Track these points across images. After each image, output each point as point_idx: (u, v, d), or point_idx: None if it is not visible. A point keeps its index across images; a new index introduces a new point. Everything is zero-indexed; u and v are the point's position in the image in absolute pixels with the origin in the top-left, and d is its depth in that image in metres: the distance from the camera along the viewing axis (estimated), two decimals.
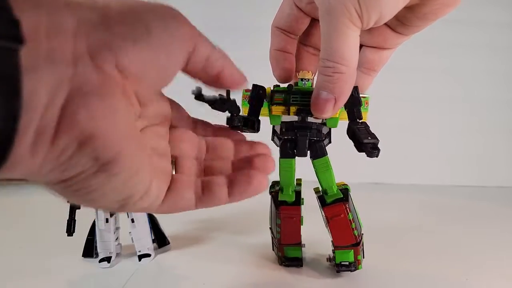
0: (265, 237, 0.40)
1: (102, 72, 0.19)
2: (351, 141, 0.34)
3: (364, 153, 0.33)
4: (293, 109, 0.35)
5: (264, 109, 0.36)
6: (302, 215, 0.39)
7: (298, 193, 0.39)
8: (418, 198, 0.80)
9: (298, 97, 0.34)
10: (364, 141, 0.32)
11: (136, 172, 0.21)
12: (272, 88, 0.36)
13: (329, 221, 0.38)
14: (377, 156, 0.32)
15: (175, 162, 0.26)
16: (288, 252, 0.42)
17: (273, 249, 0.44)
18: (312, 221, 0.41)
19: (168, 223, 0.51)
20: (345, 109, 0.35)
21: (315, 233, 0.42)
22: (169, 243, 0.49)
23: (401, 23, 0.31)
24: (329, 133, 0.38)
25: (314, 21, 0.34)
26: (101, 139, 0.19)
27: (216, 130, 0.29)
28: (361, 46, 0.35)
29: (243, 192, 0.25)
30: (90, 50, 0.19)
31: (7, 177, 0.18)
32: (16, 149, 0.17)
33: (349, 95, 0.30)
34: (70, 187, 0.20)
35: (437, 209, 0.72)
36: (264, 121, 0.36)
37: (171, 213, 0.25)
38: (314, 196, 0.39)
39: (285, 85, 0.36)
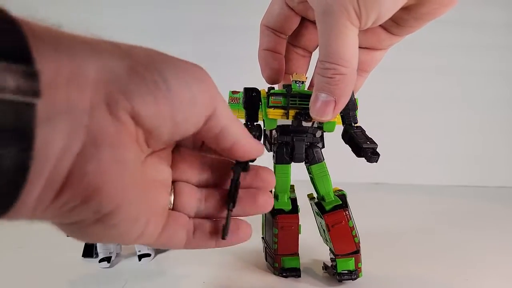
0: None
1: (118, 121, 0.19)
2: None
3: (363, 158, 0.33)
4: (292, 112, 0.34)
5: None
6: (299, 223, 0.39)
7: (294, 200, 0.38)
8: (418, 198, 0.80)
9: (297, 100, 0.33)
10: (364, 146, 0.32)
11: (134, 220, 0.21)
12: (267, 91, 0.35)
13: (330, 229, 0.37)
14: (376, 161, 0.32)
15: (173, 191, 0.25)
16: (285, 263, 0.40)
17: (266, 260, 0.43)
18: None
19: None
20: (340, 113, 0.34)
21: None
22: None
23: (396, 23, 0.31)
24: (322, 137, 0.37)
25: (304, 21, 0.34)
26: (105, 193, 0.19)
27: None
28: None
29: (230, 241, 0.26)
30: (108, 98, 0.18)
31: (7, 221, 0.18)
32: (21, 200, 0.17)
33: (349, 97, 0.29)
34: (68, 228, 0.21)
35: (437, 209, 0.72)
36: None
37: (164, 248, 0.25)
38: (304, 199, 0.39)
39: (275, 85, 0.35)
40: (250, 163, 0.25)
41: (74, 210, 0.19)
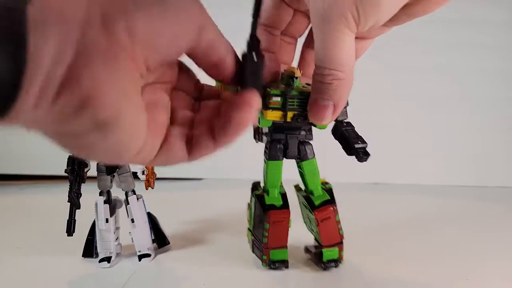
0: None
1: (112, 35, 0.19)
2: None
3: (354, 156, 0.33)
4: (290, 114, 0.33)
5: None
6: (290, 218, 0.40)
7: (284, 196, 0.39)
8: (417, 198, 0.80)
9: (295, 102, 0.33)
10: (355, 146, 0.33)
11: (131, 133, 0.21)
12: (264, 90, 0.34)
13: (319, 223, 0.39)
14: (366, 161, 0.32)
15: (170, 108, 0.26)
16: (274, 255, 0.41)
17: (253, 251, 0.43)
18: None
19: (168, 223, 0.51)
20: None
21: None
22: (169, 243, 0.49)
23: None
24: (310, 129, 0.38)
25: (295, 12, 0.34)
26: (100, 100, 0.19)
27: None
28: None
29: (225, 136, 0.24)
30: (103, 12, 0.19)
31: (8, 126, 0.19)
32: (20, 101, 0.17)
33: (347, 99, 0.29)
34: (67, 139, 0.21)
35: (436, 209, 0.72)
36: None
37: (163, 165, 0.25)
38: (293, 195, 0.40)
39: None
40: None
41: (72, 115, 0.19)
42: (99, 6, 0.19)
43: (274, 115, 0.34)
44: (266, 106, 0.33)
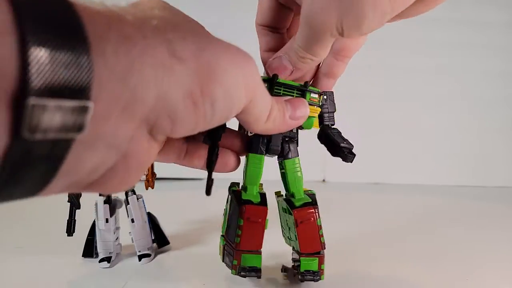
0: (266, 238, 0.38)
1: (154, 140, 0.20)
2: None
3: (339, 157, 0.33)
4: None
5: None
6: (267, 218, 0.36)
7: (263, 195, 0.36)
8: (417, 198, 0.80)
9: (282, 89, 0.32)
10: (341, 144, 0.33)
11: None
12: None
13: (298, 225, 0.35)
14: (351, 161, 0.32)
15: None
16: (246, 261, 0.36)
17: (223, 260, 0.38)
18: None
19: (168, 223, 0.51)
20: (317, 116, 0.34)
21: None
22: (169, 243, 0.49)
23: None
24: (297, 134, 0.36)
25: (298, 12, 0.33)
26: (118, 188, 0.21)
27: None
28: None
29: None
30: (153, 124, 0.19)
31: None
32: (44, 191, 0.18)
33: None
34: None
35: (436, 209, 0.72)
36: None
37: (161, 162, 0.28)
38: (272, 201, 0.37)
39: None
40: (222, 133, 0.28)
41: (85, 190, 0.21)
42: (153, 119, 0.19)
43: None
44: None
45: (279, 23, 0.33)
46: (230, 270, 0.37)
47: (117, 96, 0.16)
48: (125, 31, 0.17)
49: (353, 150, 0.33)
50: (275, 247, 0.41)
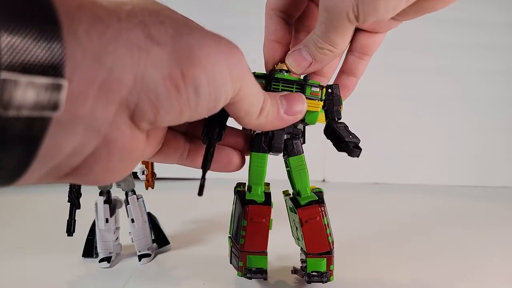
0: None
1: (136, 128, 0.20)
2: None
3: (345, 152, 0.31)
4: None
5: None
6: (272, 217, 0.35)
7: (267, 194, 0.35)
8: (418, 198, 0.80)
9: (280, 85, 0.31)
10: (346, 139, 0.31)
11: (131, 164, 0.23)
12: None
13: (303, 224, 0.34)
14: (358, 156, 0.31)
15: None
16: (251, 262, 0.35)
17: (230, 262, 0.38)
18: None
19: (168, 223, 0.51)
20: (323, 108, 0.33)
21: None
22: (169, 243, 0.49)
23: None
24: (303, 133, 0.35)
25: (309, 5, 0.34)
26: (107, 181, 0.21)
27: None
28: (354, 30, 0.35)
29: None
30: (134, 109, 0.19)
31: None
32: (22, 179, 0.17)
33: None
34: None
35: (436, 209, 0.72)
36: None
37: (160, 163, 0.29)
38: (281, 200, 0.36)
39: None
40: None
41: (73, 181, 0.20)
42: (133, 102, 0.19)
43: None
44: None
45: (291, 9, 0.33)
46: (236, 272, 0.36)
47: (92, 76, 0.16)
48: (98, 13, 0.17)
49: (360, 145, 0.32)
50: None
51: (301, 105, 0.28)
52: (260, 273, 0.36)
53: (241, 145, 0.32)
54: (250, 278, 0.36)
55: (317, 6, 0.33)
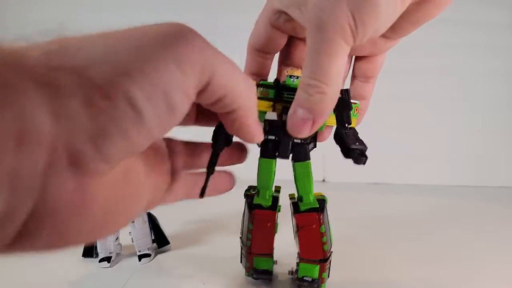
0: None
1: (81, 172, 0.16)
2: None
3: (351, 159, 0.32)
4: (278, 106, 0.32)
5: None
6: (277, 222, 0.36)
7: (275, 199, 0.36)
8: (418, 198, 0.80)
9: (285, 94, 0.32)
10: (352, 146, 0.30)
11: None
12: (257, 82, 0.34)
13: (299, 229, 0.35)
14: (364, 164, 0.30)
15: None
16: (258, 264, 0.37)
17: (240, 261, 0.40)
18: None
19: (168, 223, 0.51)
20: (334, 112, 0.33)
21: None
22: (169, 243, 0.49)
23: (391, 29, 0.29)
24: (314, 137, 0.36)
25: (294, 40, 0.33)
26: (67, 240, 0.18)
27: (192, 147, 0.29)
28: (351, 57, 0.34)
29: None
30: (69, 150, 0.15)
31: None
32: None
33: (328, 117, 0.28)
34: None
35: (436, 209, 0.72)
36: None
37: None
38: (288, 203, 0.37)
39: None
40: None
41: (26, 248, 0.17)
42: (65, 143, 0.15)
43: (262, 105, 0.33)
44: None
45: (271, 48, 0.33)
46: (244, 272, 0.39)
47: (3, 129, 0.14)
48: None
49: (367, 152, 0.32)
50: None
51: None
52: (266, 274, 0.37)
53: (236, 157, 0.30)
54: (257, 279, 0.38)
55: (299, 40, 0.33)
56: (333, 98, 0.26)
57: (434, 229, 0.59)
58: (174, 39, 0.18)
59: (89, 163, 0.16)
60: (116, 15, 0.88)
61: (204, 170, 0.28)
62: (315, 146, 0.36)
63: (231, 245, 0.50)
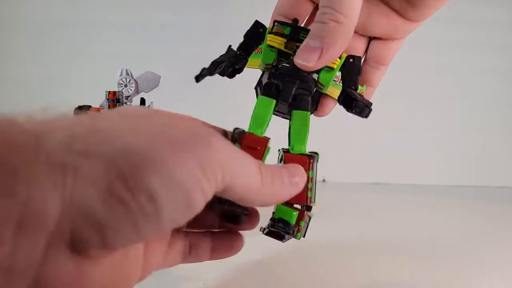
0: (266, 238, 0.37)
1: (81, 258, 0.16)
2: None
3: (353, 113, 0.30)
4: (292, 44, 0.30)
5: (255, 60, 0.32)
6: (269, 146, 0.31)
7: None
8: (418, 198, 0.80)
9: (301, 33, 0.30)
10: (357, 98, 0.30)
11: None
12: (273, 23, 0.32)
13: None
14: (366, 116, 0.30)
15: None
16: None
17: None
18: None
19: None
20: (341, 77, 0.32)
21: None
22: None
23: (411, 4, 0.28)
24: (318, 100, 0.33)
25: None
26: None
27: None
28: (368, 38, 0.34)
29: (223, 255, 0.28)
30: (73, 236, 0.15)
31: None
32: None
33: (340, 51, 0.26)
34: None
35: (436, 209, 0.72)
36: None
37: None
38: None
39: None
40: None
41: None
42: (68, 230, 0.15)
43: (276, 40, 0.31)
44: (271, 31, 0.31)
45: (297, 15, 0.32)
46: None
47: (4, 215, 0.14)
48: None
49: (371, 107, 0.31)
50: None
51: (301, 177, 0.26)
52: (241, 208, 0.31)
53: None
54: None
55: None
56: (347, 30, 0.25)
57: (433, 228, 0.59)
58: (201, 140, 0.19)
59: (90, 249, 0.16)
60: (116, 15, 0.88)
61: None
62: (316, 109, 0.34)
63: None
